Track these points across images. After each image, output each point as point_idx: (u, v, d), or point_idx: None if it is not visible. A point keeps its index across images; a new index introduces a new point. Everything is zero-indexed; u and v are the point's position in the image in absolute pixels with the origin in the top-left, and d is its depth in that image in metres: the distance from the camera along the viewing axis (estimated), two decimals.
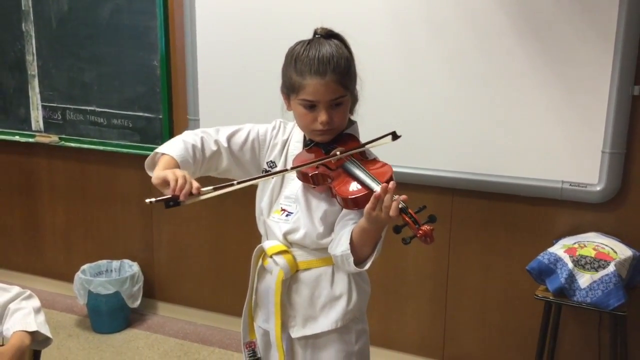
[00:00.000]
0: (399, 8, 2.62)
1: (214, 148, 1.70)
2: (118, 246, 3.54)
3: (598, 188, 2.45)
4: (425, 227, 1.38)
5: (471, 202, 2.70)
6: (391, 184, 1.41)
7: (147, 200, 1.46)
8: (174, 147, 1.63)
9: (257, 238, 3.18)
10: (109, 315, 3.28)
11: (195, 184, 1.47)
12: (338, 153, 1.59)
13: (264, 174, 1.66)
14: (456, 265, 2.81)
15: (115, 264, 3.47)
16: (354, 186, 1.52)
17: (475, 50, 2.54)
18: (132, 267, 3.41)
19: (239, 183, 1.55)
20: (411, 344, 2.97)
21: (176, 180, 1.45)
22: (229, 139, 1.72)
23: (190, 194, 1.47)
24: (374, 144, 1.60)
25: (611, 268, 2.25)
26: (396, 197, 1.41)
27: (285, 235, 1.67)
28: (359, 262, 1.52)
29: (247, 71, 2.95)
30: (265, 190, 1.72)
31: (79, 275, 3.30)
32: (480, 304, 2.81)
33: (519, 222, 2.66)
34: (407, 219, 1.40)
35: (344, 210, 1.61)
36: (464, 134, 2.62)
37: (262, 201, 1.73)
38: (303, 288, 1.68)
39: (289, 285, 1.68)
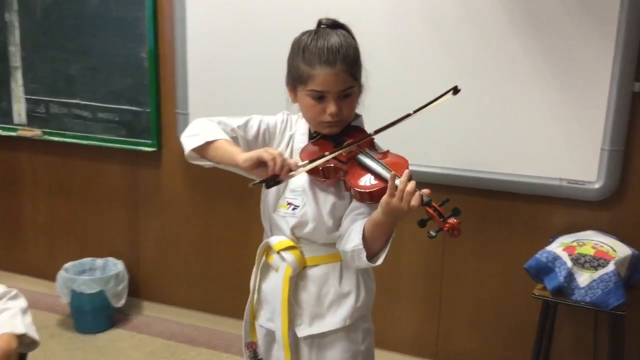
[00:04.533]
0: (396, 3, 2.57)
1: (233, 135, 1.65)
2: (102, 244, 3.45)
3: (596, 186, 2.43)
4: (453, 220, 1.34)
5: (467, 199, 2.66)
6: (408, 172, 1.37)
7: (250, 184, 1.45)
8: (219, 133, 1.58)
9: (246, 235, 3.15)
10: (93, 315, 3.19)
11: (292, 161, 1.46)
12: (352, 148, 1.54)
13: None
14: (451, 263, 2.77)
15: (100, 262, 3.37)
16: (370, 179, 1.47)
17: (473, 46, 2.50)
18: (116, 265, 3.31)
19: (330, 153, 1.51)
20: (404, 343, 2.93)
21: (274, 159, 1.42)
22: (242, 128, 1.67)
23: (289, 170, 1.44)
24: (436, 102, 1.55)
25: (611, 267, 2.22)
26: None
27: (293, 229, 1.61)
28: (370, 258, 1.47)
29: (239, 63, 2.88)
30: None
31: (62, 273, 3.20)
32: (475, 303, 2.77)
33: (516, 219, 2.63)
34: (431, 212, 1.36)
35: (353, 204, 1.56)
36: (460, 130, 2.58)
37: (267, 195, 1.66)
38: (310, 285, 1.63)
39: (295, 282, 1.62)
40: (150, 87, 3.10)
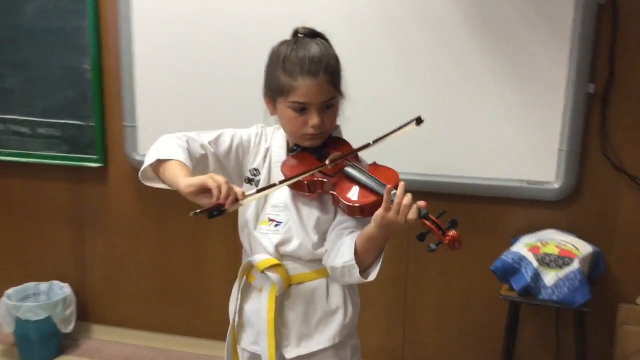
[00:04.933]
0: (352, 9, 2.55)
1: (202, 152, 1.56)
2: (46, 266, 3.25)
3: (555, 186, 2.48)
4: (453, 233, 1.31)
5: (428, 203, 2.64)
6: (404, 185, 1.33)
7: (191, 213, 1.31)
8: (175, 152, 1.47)
9: (201, 250, 3.04)
10: (40, 343, 2.99)
11: (239, 189, 1.34)
12: (334, 158, 1.48)
13: (308, 171, 1.47)
14: (415, 268, 2.76)
15: (44, 286, 3.17)
16: (361, 192, 1.42)
17: (430, 51, 2.50)
18: (62, 289, 3.13)
19: (281, 183, 1.42)
20: (370, 350, 2.90)
21: (219, 187, 1.30)
22: (213, 143, 1.58)
23: (235, 200, 1.32)
24: (396, 133, 1.50)
25: (575, 265, 2.27)
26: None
27: (277, 247, 1.54)
28: (361, 273, 1.42)
29: (189, 72, 2.79)
30: None
31: (4, 300, 2.99)
32: (440, 307, 2.78)
33: (478, 222, 2.65)
34: (429, 224, 1.32)
35: (339, 218, 1.52)
36: (420, 135, 2.53)
37: (246, 212, 1.59)
38: (297, 304, 1.56)
39: (280, 301, 1.56)
40: (94, 99, 2.95)
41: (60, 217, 3.19)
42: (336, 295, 1.58)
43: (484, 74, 2.46)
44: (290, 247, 1.54)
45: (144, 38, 2.81)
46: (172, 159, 1.44)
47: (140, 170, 1.52)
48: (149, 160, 1.49)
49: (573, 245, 2.35)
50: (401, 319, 2.83)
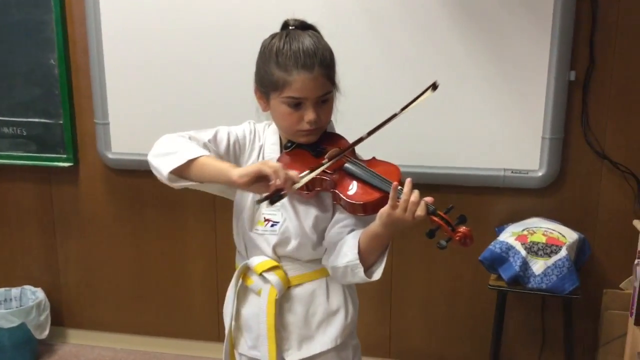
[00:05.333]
0: (333, 2, 2.49)
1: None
2: (16, 271, 3.12)
3: (539, 174, 2.48)
4: (463, 229, 1.28)
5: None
6: (410, 181, 1.29)
7: (256, 201, 1.40)
8: (197, 148, 1.41)
9: (180, 249, 2.96)
10: (14, 351, 2.87)
11: (293, 172, 1.32)
12: (347, 159, 1.43)
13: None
14: (400, 259, 2.74)
15: (15, 291, 3.05)
16: (364, 190, 1.37)
17: (412, 41, 2.47)
18: (35, 294, 3.01)
19: (329, 160, 1.41)
20: None
21: (276, 172, 1.28)
22: (212, 142, 1.51)
23: (292, 182, 1.31)
24: (418, 101, 1.45)
25: (563, 252, 2.27)
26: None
27: (274, 248, 1.49)
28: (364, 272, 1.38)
29: (163, 67, 2.69)
30: (244, 200, 1.52)
31: None
32: (426, 298, 2.76)
33: (461, 212, 2.63)
34: (438, 221, 1.29)
35: (338, 216, 1.47)
36: (402, 125, 2.51)
37: (242, 212, 1.52)
38: (297, 306, 1.52)
39: (280, 304, 1.50)
40: (62, 96, 2.83)
41: (30, 220, 3.06)
42: (337, 295, 1.54)
43: (466, 64, 2.44)
44: (289, 248, 1.48)
45: (114, 31, 2.70)
46: (201, 156, 1.38)
47: (165, 176, 1.41)
48: (177, 161, 1.38)
49: (559, 233, 2.35)
50: (387, 311, 2.81)
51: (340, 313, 1.53)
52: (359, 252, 1.37)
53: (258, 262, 1.50)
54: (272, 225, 1.50)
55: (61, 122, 2.86)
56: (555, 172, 2.48)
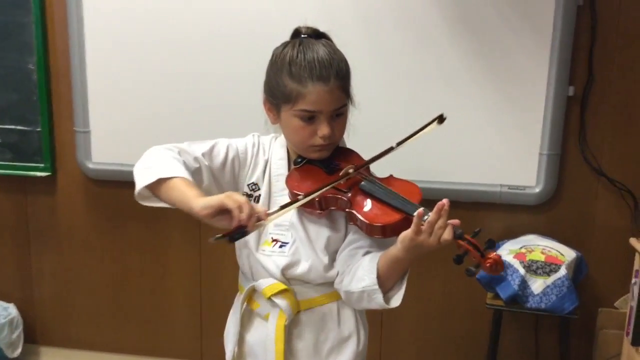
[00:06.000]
0: (329, 8, 2.42)
1: (196, 165, 1.39)
2: None
3: (536, 190, 2.44)
4: (494, 255, 1.20)
5: None
6: (446, 202, 1.21)
7: (211, 240, 1.16)
8: (176, 168, 1.30)
9: (162, 264, 2.84)
10: None
11: (261, 208, 1.20)
12: (351, 171, 1.35)
13: (328, 185, 1.33)
14: None
15: None
16: (383, 210, 1.29)
17: (409, 54, 2.41)
18: (7, 310, 2.86)
19: (305, 196, 1.28)
20: None
21: (240, 208, 1.15)
22: (207, 156, 1.42)
23: (258, 219, 1.18)
24: (421, 132, 1.38)
25: (562, 271, 2.23)
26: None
27: (283, 270, 1.40)
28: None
29: (146, 74, 2.60)
30: None
31: None
32: (419, 316, 2.69)
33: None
34: (466, 246, 1.21)
35: (351, 237, 1.39)
36: (398, 139, 2.49)
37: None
38: (306, 332, 1.43)
39: (289, 329, 1.42)
40: (40, 102, 2.70)
41: (4, 232, 2.92)
42: (348, 321, 1.45)
43: (465, 78, 2.39)
44: (299, 270, 1.39)
45: (96, 35, 2.60)
46: (174, 177, 1.27)
47: (136, 191, 1.34)
48: (147, 179, 1.30)
49: (558, 251, 2.31)
50: (378, 330, 2.73)
51: (352, 340, 1.45)
52: (378, 277, 1.29)
53: (266, 285, 1.41)
54: (280, 246, 1.41)
55: (39, 129, 2.73)
56: (552, 189, 2.44)
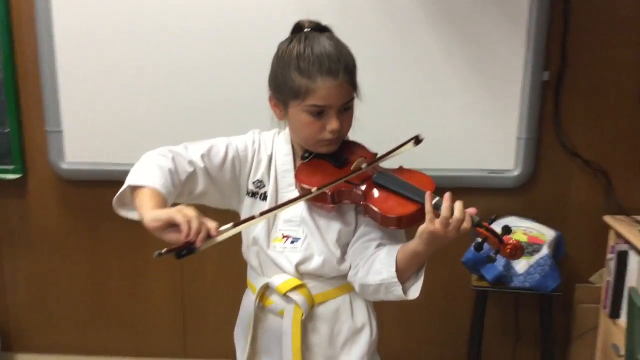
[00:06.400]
0: None
1: (190, 169, 1.37)
2: None
3: (515, 173, 2.51)
4: (513, 241, 1.23)
5: None
6: (450, 195, 1.24)
7: (155, 254, 1.12)
8: (150, 176, 1.27)
9: (141, 264, 2.78)
10: None
11: (212, 224, 1.15)
12: (363, 166, 1.36)
13: (289, 200, 1.34)
14: None
15: None
16: (398, 202, 1.31)
17: (386, 41, 2.43)
18: None
19: (261, 215, 1.26)
20: None
21: (188, 223, 1.12)
22: (205, 157, 1.39)
23: (208, 236, 1.14)
24: (396, 152, 1.40)
25: (545, 250, 2.31)
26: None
27: (297, 265, 1.40)
28: None
29: (121, 69, 2.53)
30: (254, 214, 1.41)
31: None
32: (402, 302, 2.73)
33: None
34: (485, 233, 1.24)
35: (362, 229, 1.40)
36: (381, 126, 2.49)
37: (254, 229, 1.42)
38: (321, 325, 1.44)
39: (304, 324, 1.42)
40: (8, 102, 2.60)
41: None
42: (361, 312, 1.47)
43: (443, 66, 2.43)
44: (312, 265, 1.40)
45: (67, 31, 2.50)
46: (145, 186, 1.24)
47: (114, 198, 1.31)
48: (124, 185, 1.29)
49: (539, 232, 2.39)
50: None
51: (365, 330, 1.47)
52: (396, 270, 1.31)
53: (281, 281, 1.41)
54: (292, 242, 1.41)
55: (7, 130, 2.63)
56: (529, 172, 2.52)
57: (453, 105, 2.47)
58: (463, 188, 2.54)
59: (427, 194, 1.25)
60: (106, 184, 2.80)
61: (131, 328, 2.86)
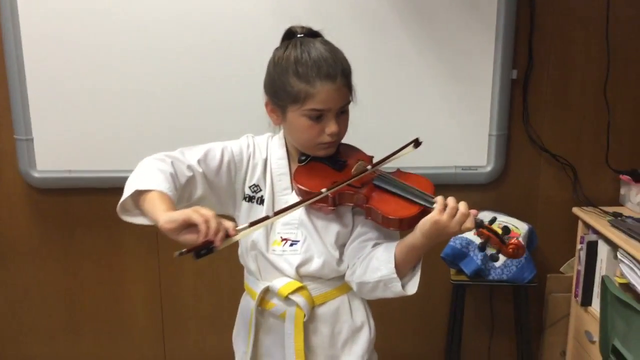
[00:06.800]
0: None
1: (189, 174, 1.38)
2: None
3: (487, 169, 2.58)
4: (515, 240, 1.28)
5: None
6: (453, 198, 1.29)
7: (176, 254, 1.13)
8: (155, 180, 1.28)
9: (118, 271, 2.74)
10: None
11: (230, 223, 1.16)
12: (369, 167, 1.40)
13: (301, 200, 1.35)
14: None
15: None
16: (400, 204, 1.34)
17: (358, 40, 2.45)
18: None
19: (276, 214, 1.28)
20: None
21: (207, 222, 1.12)
22: (202, 162, 1.41)
23: (226, 235, 1.15)
24: (397, 155, 1.44)
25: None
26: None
27: (297, 268, 1.42)
28: None
29: (94, 74, 2.47)
30: (251, 219, 1.42)
31: None
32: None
33: None
34: (488, 233, 1.29)
35: (359, 230, 1.43)
36: (356, 127, 2.54)
37: (253, 233, 1.44)
38: (322, 326, 1.46)
39: (305, 326, 1.45)
40: None
41: None
42: (359, 311, 1.50)
43: (415, 65, 2.48)
44: (312, 267, 1.43)
45: (35, 33, 2.43)
46: (152, 190, 1.25)
47: (118, 204, 1.31)
48: (127, 192, 1.29)
49: (514, 225, 2.47)
50: None
51: (364, 328, 1.50)
52: (395, 266, 1.34)
53: (282, 284, 1.43)
54: (291, 245, 1.43)
55: None
56: (500, 167, 2.60)
57: (426, 105, 2.52)
58: (437, 185, 2.60)
59: (450, 198, 1.30)
60: (79, 192, 2.79)
61: (108, 336, 2.82)
